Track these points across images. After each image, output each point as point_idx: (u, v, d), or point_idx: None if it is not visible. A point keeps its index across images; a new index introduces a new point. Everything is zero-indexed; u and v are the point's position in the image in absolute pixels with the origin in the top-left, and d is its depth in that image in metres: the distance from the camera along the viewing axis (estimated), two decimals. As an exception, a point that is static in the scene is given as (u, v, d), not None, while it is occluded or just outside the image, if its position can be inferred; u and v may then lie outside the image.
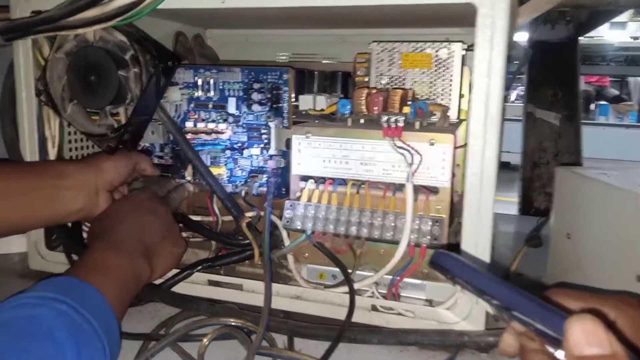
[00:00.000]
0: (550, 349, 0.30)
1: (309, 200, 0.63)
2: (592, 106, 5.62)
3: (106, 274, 0.51)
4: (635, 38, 3.88)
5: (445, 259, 0.33)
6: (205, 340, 0.50)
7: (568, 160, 1.28)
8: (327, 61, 0.96)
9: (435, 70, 0.75)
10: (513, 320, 0.32)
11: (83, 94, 0.64)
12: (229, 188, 0.74)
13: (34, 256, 0.70)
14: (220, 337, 0.52)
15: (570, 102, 1.35)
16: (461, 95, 0.76)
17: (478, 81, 0.50)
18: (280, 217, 0.63)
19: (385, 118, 0.58)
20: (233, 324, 0.53)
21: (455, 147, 0.64)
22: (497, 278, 0.31)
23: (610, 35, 3.72)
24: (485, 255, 0.52)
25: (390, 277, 0.58)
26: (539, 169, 1.31)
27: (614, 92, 5.84)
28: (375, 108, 0.62)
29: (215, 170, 0.73)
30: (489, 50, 0.49)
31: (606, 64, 4.25)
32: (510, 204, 1.69)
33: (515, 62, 0.87)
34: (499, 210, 1.19)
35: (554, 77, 1.38)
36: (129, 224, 0.59)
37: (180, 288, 0.61)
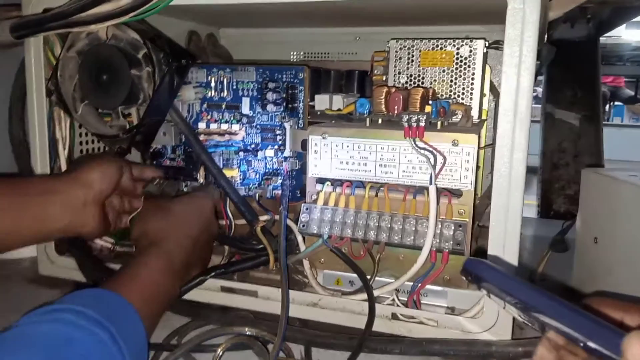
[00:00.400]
0: None
1: (326, 203, 0.60)
2: (607, 107, 5.55)
3: (152, 299, 0.49)
4: (653, 37, 3.82)
5: (479, 266, 0.31)
6: (219, 350, 0.48)
7: (589, 162, 1.25)
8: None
9: (456, 69, 0.72)
10: (551, 332, 0.29)
11: (95, 93, 0.62)
12: (242, 191, 0.72)
13: (43, 261, 0.69)
14: (234, 347, 0.50)
15: (590, 102, 1.32)
16: (483, 95, 0.74)
17: (507, 78, 0.48)
18: (295, 221, 0.61)
19: (406, 117, 0.56)
20: (248, 333, 0.51)
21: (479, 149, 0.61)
22: (538, 288, 0.29)
23: (627, 34, 3.65)
24: (513, 261, 0.50)
25: (411, 283, 0.56)
26: (558, 170, 1.27)
27: (629, 92, 5.75)
28: (395, 107, 0.60)
29: (228, 173, 0.71)
30: (519, 46, 0.46)
31: (622, 64, 4.19)
32: (528, 207, 1.65)
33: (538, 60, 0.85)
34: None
35: (573, 76, 1.34)
36: (188, 239, 0.58)
37: (192, 295, 0.59)
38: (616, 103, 5.70)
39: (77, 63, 0.63)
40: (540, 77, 1.44)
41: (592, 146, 1.27)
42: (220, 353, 0.48)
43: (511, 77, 0.47)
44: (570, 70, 1.34)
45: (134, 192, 0.66)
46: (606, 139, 1.36)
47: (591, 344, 0.26)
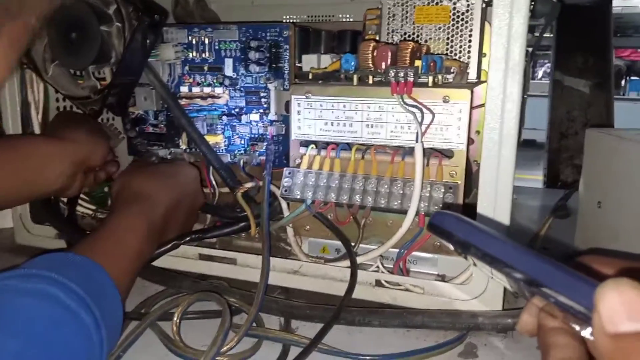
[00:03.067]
0: (576, 327, 0.23)
1: (310, 167, 0.57)
2: (623, 81, 5.42)
3: (132, 267, 0.47)
4: (671, 7, 3.68)
5: (446, 219, 0.27)
6: (175, 317, 0.44)
7: (599, 131, 1.20)
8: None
9: (453, 25, 0.68)
10: (532, 294, 0.26)
11: (64, 53, 0.58)
12: (227, 158, 0.69)
13: (20, 231, 0.66)
14: (205, 316, 0.47)
15: (602, 69, 1.26)
16: (482, 54, 0.69)
17: (499, 21, 0.43)
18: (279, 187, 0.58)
19: (393, 72, 0.51)
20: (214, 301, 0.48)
21: (474, 107, 0.57)
22: (510, 240, 0.25)
23: (643, 4, 3.53)
24: (504, 221, 0.46)
25: (398, 250, 0.52)
26: (566, 139, 1.22)
27: (646, 66, 5.60)
28: (383, 63, 0.55)
29: (212, 139, 0.68)
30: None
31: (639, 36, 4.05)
32: (537, 182, 1.60)
33: (541, 18, 0.79)
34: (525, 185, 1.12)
35: (584, 43, 1.28)
36: (172, 201, 0.56)
37: (169, 262, 0.56)
38: (632, 77, 5.57)
39: (45, 22, 0.59)
40: (548, 52, 1.38)
41: (602, 114, 1.22)
42: (177, 320, 0.44)
43: (502, 18, 0.43)
44: (581, 36, 1.28)
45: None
46: (622, 113, 1.30)
47: (559, 297, 0.22)
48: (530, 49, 0.72)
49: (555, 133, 1.23)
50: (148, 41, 0.58)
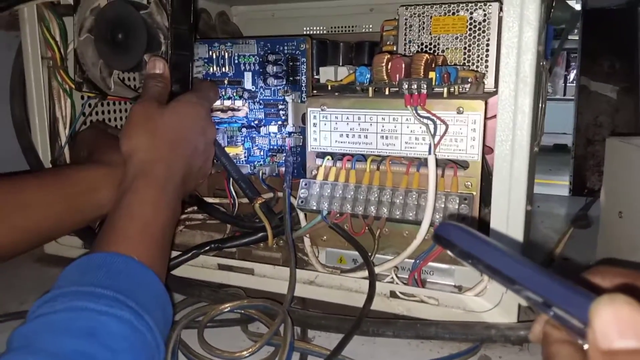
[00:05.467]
0: (580, 341, 0.23)
1: (326, 178, 0.58)
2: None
3: (157, 240, 0.47)
4: None
5: (450, 230, 0.27)
6: (201, 326, 0.46)
7: (627, 137, 1.17)
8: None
9: (470, 35, 0.68)
10: (535, 306, 0.26)
11: (117, 56, 0.59)
12: (247, 169, 0.70)
13: (49, 240, 0.69)
14: (221, 324, 0.48)
15: (629, 73, 1.23)
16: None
17: (508, 33, 0.43)
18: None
19: (406, 85, 0.52)
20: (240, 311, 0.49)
21: (492, 117, 0.57)
22: (513, 252, 0.25)
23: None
24: (517, 234, 0.46)
25: (413, 261, 0.53)
26: (593, 146, 1.20)
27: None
28: (397, 75, 0.56)
29: (232, 151, 0.69)
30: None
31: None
32: (567, 188, 1.57)
33: (561, 25, 0.79)
34: (551, 192, 1.10)
35: (610, 47, 1.26)
36: (181, 158, 0.54)
37: (188, 272, 0.58)
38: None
39: (92, 41, 0.61)
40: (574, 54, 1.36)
41: (630, 120, 1.19)
42: (202, 332, 0.46)
43: (512, 30, 0.43)
44: (608, 40, 1.26)
45: None
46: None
47: (557, 310, 0.22)
48: (550, 55, 0.71)
49: (582, 139, 1.21)
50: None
